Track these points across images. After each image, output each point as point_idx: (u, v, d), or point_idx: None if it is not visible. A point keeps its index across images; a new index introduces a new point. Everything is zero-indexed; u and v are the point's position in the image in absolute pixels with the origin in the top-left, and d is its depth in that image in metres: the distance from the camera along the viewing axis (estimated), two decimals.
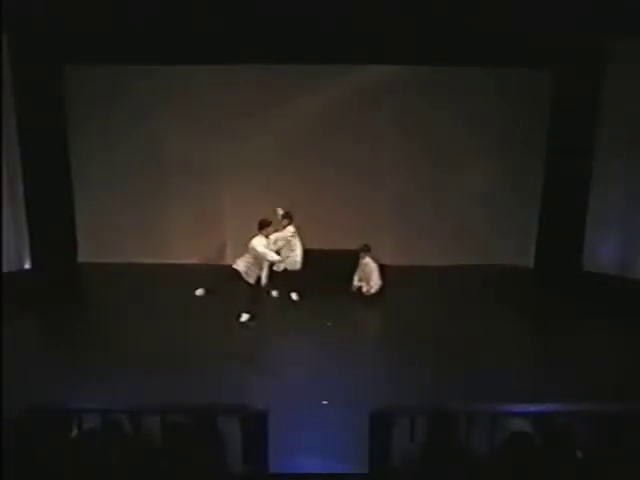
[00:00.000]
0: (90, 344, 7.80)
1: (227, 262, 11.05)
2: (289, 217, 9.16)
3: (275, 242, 8.48)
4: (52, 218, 10.78)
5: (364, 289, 9.57)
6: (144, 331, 8.11)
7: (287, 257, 9.02)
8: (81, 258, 11.44)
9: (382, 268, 9.67)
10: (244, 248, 11.53)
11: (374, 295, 9.43)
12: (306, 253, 9.36)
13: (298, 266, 9.26)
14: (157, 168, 11.04)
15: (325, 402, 6.27)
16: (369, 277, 9.51)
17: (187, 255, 10.94)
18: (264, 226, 7.89)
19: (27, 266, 10.68)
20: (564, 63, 10.18)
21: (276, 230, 8.46)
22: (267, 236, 7.95)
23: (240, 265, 7.92)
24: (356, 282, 9.70)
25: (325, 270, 9.43)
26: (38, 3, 8.88)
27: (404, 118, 10.74)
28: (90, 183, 11.15)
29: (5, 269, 9.76)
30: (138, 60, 10.28)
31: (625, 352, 7.58)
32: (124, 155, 10.99)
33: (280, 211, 9.15)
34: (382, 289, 9.51)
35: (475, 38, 9.48)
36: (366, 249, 9.58)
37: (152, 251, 11.07)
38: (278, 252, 8.41)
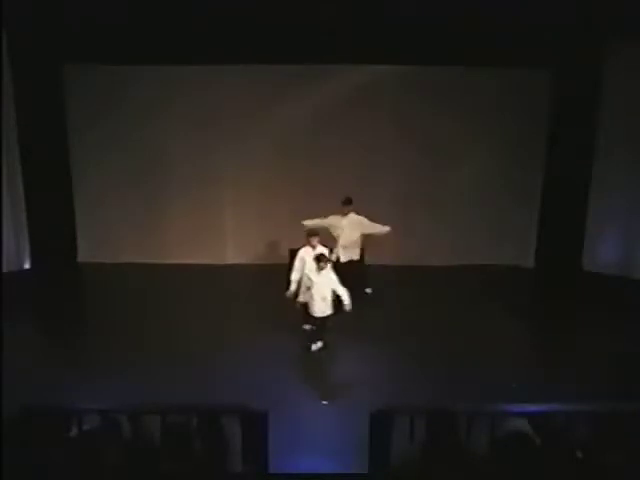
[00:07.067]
0: (90, 344, 7.80)
1: (227, 262, 11.10)
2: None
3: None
4: (52, 218, 10.77)
5: None
6: (144, 331, 8.10)
7: None
8: (81, 258, 11.43)
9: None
10: (244, 248, 11.50)
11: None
12: None
13: None
14: (157, 168, 11.01)
15: (325, 402, 6.28)
16: None
17: (187, 255, 10.93)
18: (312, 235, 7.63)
19: (27, 266, 10.69)
20: (564, 63, 10.18)
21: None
22: (314, 247, 7.59)
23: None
24: None
25: None
26: (38, 3, 8.91)
27: (404, 118, 10.72)
28: (90, 183, 11.13)
29: (5, 269, 9.77)
30: (138, 60, 10.28)
31: (625, 352, 7.57)
32: (124, 155, 10.95)
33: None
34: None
35: (475, 38, 9.48)
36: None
37: (152, 251, 11.06)
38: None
